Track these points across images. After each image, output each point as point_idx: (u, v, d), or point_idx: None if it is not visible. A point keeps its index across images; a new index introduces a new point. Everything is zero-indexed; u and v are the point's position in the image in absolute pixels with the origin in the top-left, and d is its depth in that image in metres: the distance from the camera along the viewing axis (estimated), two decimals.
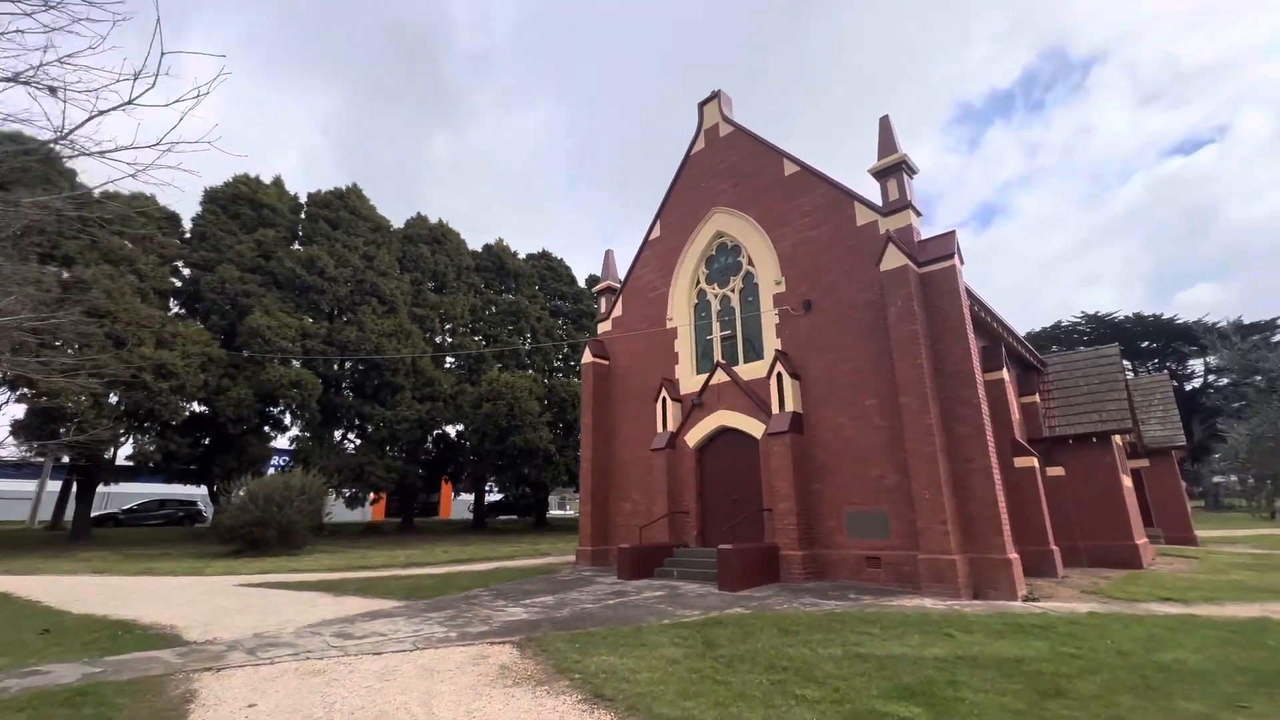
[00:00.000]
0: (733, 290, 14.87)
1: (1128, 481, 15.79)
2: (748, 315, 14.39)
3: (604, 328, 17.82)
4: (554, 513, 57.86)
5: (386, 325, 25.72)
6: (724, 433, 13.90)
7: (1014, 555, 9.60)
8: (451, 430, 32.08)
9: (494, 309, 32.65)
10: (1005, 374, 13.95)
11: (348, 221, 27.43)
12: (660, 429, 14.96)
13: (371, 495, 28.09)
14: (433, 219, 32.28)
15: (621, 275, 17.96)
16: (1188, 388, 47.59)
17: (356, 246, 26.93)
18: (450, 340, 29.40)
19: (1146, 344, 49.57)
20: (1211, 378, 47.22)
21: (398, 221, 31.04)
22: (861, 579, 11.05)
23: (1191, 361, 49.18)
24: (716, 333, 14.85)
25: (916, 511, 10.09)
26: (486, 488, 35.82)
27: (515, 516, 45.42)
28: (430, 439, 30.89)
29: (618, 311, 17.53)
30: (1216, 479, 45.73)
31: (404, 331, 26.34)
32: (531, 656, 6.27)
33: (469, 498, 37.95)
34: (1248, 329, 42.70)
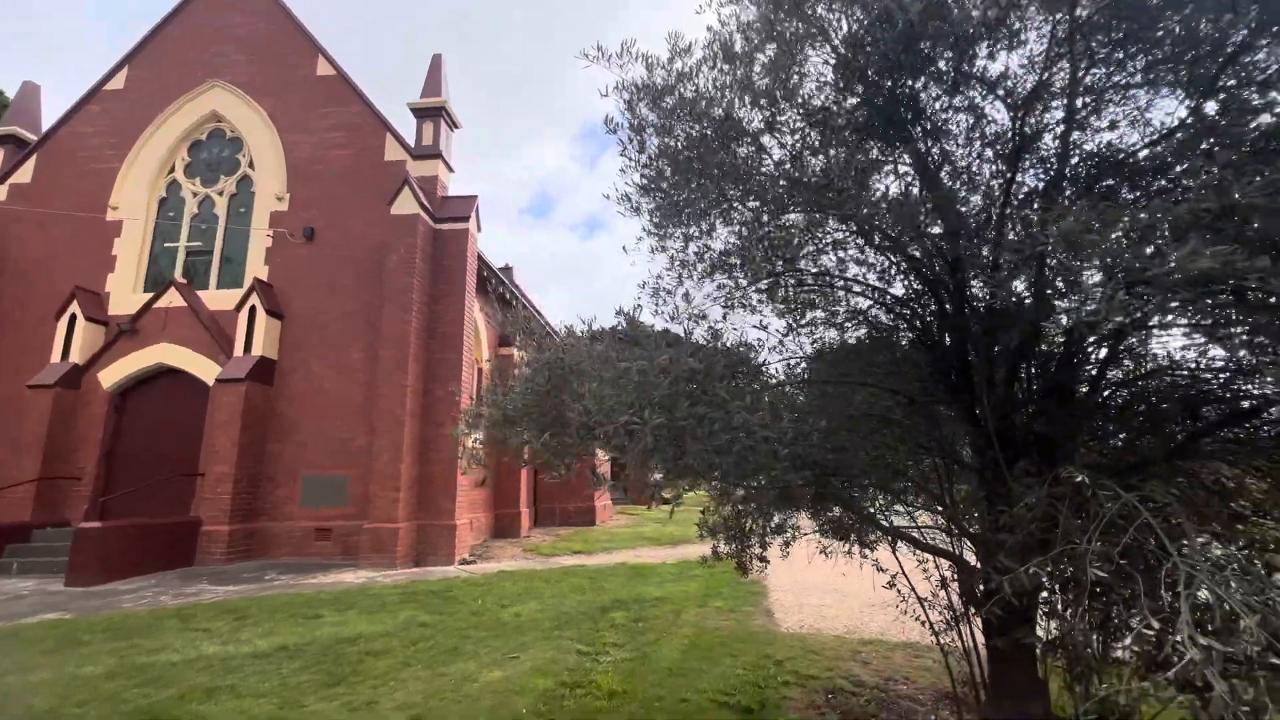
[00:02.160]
0: (221, 193, 11.41)
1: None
2: (235, 229, 11.22)
3: None
4: None
5: None
6: (164, 374, 10.40)
7: (459, 521, 9.73)
8: None
9: None
10: (516, 352, 14.84)
11: None
12: (57, 358, 10.26)
13: None
14: None
15: (46, 125, 11.92)
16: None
17: None
18: None
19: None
20: None
21: None
22: (306, 554, 9.60)
23: None
24: (183, 242, 11.13)
25: (372, 477, 9.24)
26: None
27: None
28: None
29: (24, 175, 11.50)
30: None
31: None
32: None
33: None
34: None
